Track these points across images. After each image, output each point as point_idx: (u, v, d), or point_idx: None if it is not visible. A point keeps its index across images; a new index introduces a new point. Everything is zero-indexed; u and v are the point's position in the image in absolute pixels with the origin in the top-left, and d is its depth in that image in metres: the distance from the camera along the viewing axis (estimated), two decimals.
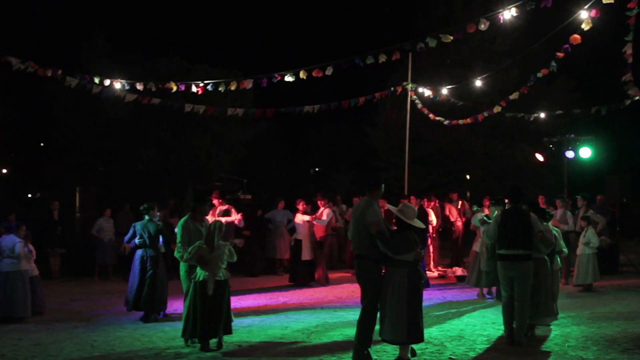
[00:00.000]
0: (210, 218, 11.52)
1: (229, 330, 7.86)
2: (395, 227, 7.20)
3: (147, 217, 9.88)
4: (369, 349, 7.04)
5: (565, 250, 9.54)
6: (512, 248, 7.88)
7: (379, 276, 7.05)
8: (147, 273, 9.70)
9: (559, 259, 9.35)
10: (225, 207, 13.76)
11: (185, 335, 7.85)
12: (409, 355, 7.09)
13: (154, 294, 9.63)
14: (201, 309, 7.59)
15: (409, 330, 6.81)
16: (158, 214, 10.31)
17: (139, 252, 9.83)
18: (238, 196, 15.88)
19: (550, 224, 9.19)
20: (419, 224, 7.14)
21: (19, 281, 9.72)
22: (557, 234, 9.17)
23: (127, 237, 10.04)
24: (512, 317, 7.90)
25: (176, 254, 8.22)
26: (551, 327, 8.66)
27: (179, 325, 9.18)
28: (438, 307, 10.38)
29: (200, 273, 7.72)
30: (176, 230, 9.41)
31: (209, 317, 7.57)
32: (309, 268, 13.42)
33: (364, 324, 7.01)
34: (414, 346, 7.22)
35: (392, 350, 7.45)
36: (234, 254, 7.95)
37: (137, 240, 9.80)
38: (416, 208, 7.62)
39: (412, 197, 13.64)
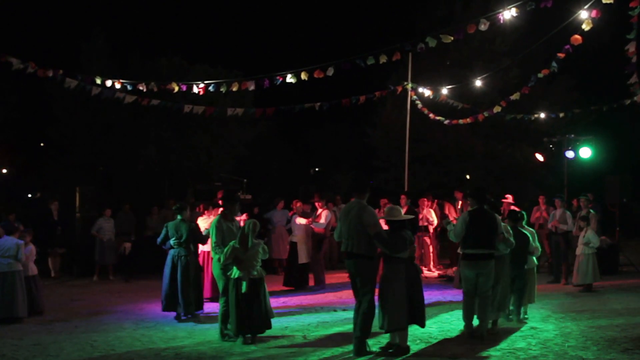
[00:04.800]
0: (210, 218, 11.52)
1: (268, 326, 8.09)
2: (388, 228, 7.59)
3: (179, 217, 9.89)
4: (367, 340, 7.46)
5: (539, 250, 9.59)
6: (478, 247, 8.13)
7: (376, 272, 7.61)
8: (178, 273, 9.64)
9: (534, 259, 9.54)
10: None
11: (222, 332, 8.18)
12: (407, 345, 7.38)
13: (187, 293, 9.60)
14: (237, 305, 7.88)
15: (410, 313, 7.22)
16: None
17: (171, 252, 9.82)
18: (238, 196, 15.87)
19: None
20: (407, 216, 7.85)
21: (16, 281, 9.72)
22: (530, 235, 9.24)
23: (159, 239, 10.00)
24: (472, 312, 8.21)
25: (214, 255, 8.53)
26: (513, 319, 8.99)
27: (179, 325, 9.25)
28: (438, 307, 10.37)
29: (235, 271, 7.98)
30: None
31: (245, 314, 7.86)
32: (306, 271, 13.22)
33: (366, 316, 7.35)
34: (413, 346, 7.26)
35: None
36: (267, 252, 8.25)
37: (172, 242, 9.79)
38: (403, 208, 7.95)
39: (402, 196, 13.62)
